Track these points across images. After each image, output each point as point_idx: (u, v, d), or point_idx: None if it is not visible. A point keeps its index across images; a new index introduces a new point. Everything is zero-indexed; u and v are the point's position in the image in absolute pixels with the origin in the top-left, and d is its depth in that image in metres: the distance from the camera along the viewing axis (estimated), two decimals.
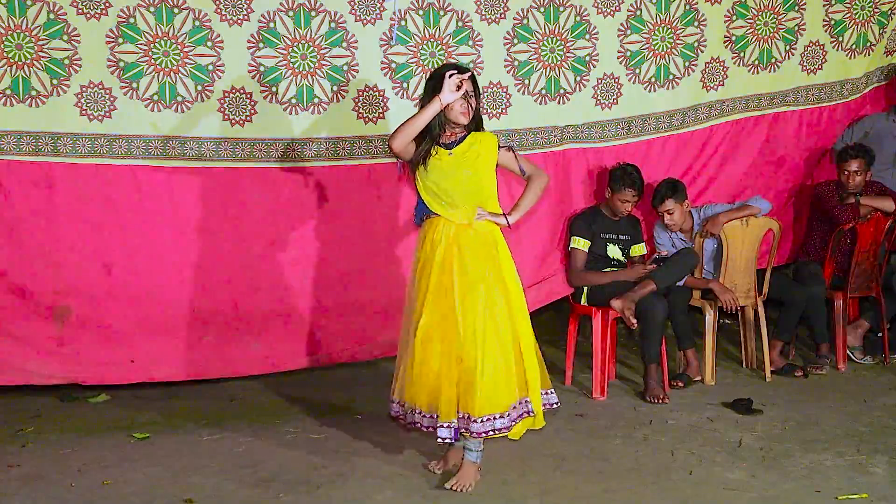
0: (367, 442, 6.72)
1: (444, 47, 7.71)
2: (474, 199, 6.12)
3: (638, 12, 8.16)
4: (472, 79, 6.05)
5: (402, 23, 7.63)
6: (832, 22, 8.67)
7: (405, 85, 7.67)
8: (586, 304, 7.95)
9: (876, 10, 8.77)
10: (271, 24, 7.38)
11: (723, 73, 8.47)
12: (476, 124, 6.15)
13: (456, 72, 5.93)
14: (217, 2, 7.27)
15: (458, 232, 6.09)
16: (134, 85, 7.21)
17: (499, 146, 6.20)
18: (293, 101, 7.47)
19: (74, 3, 7.04)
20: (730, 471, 6.19)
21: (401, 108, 7.63)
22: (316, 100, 7.51)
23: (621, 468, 6.28)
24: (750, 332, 8.37)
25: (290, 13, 7.40)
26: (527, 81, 7.92)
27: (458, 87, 5.90)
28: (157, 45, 7.21)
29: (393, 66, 7.64)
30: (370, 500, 5.81)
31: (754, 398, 7.42)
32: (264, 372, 7.72)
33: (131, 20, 7.16)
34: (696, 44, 8.35)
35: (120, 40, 7.16)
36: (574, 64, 8.06)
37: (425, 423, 6.04)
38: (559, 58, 8.00)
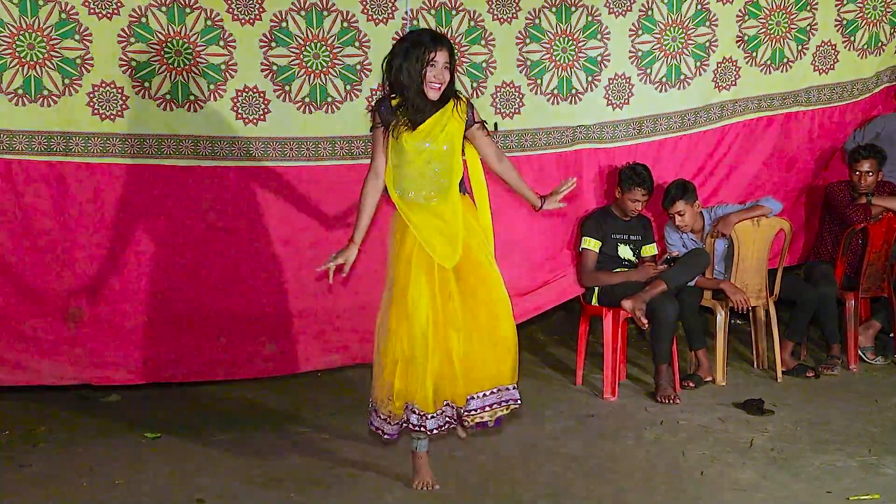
0: (379, 442, 6.71)
1: (456, 46, 7.69)
2: (439, 177, 5.93)
3: (649, 12, 8.15)
4: (450, 49, 5.81)
5: (414, 22, 7.62)
6: (844, 22, 8.66)
7: None
8: (597, 304, 7.94)
9: (888, 9, 8.75)
10: (283, 24, 7.38)
11: (735, 73, 8.47)
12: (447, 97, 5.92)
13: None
14: (229, 1, 7.27)
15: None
16: (146, 84, 7.21)
17: (472, 119, 5.96)
18: (306, 100, 7.48)
19: (86, 3, 7.04)
20: (741, 471, 6.19)
21: None
22: (329, 99, 7.51)
23: (632, 468, 6.28)
24: (761, 333, 8.36)
25: (303, 13, 7.40)
26: (539, 81, 7.92)
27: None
28: (169, 44, 7.21)
29: None
30: (381, 501, 5.83)
31: (765, 399, 7.42)
32: (279, 373, 7.71)
33: (143, 20, 7.15)
34: (707, 44, 8.35)
35: (132, 40, 7.16)
36: (586, 64, 8.06)
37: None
38: (571, 58, 8.00)
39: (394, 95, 5.85)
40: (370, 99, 7.57)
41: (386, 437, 6.03)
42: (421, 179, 5.91)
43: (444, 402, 5.88)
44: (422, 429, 5.87)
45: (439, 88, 5.77)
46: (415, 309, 5.84)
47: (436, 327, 5.84)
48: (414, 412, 5.85)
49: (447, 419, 5.91)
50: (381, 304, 6.07)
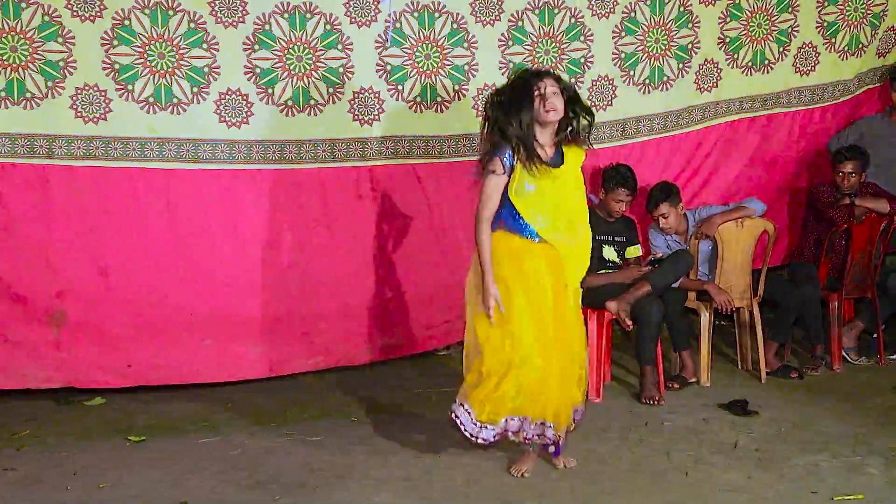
0: (364, 444, 6.72)
1: (438, 49, 7.72)
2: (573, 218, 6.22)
3: (632, 14, 8.16)
4: (557, 78, 6.07)
5: (397, 25, 7.63)
6: (825, 23, 8.68)
7: (400, 87, 7.68)
8: (582, 305, 7.93)
9: (868, 11, 8.77)
10: (266, 27, 7.38)
11: (716, 74, 8.48)
12: (568, 129, 6.12)
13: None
14: (212, 4, 7.26)
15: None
16: (129, 87, 7.22)
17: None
18: (289, 102, 7.48)
19: (69, 6, 7.04)
20: (726, 472, 6.20)
21: (396, 109, 7.65)
22: (312, 101, 7.52)
23: (617, 470, 6.28)
24: (745, 334, 8.36)
25: (286, 15, 7.40)
26: None
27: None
28: (152, 47, 7.21)
29: (388, 67, 7.64)
30: (367, 503, 5.82)
31: (750, 399, 7.42)
32: (263, 376, 7.74)
33: (126, 22, 7.16)
34: (689, 45, 8.36)
35: (115, 42, 7.16)
36: (569, 66, 8.06)
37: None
38: (554, 60, 8.01)
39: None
40: (352, 101, 7.59)
41: (480, 441, 6.08)
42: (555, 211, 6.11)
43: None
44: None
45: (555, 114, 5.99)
46: (520, 327, 6.05)
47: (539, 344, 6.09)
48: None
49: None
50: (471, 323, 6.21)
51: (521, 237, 6.05)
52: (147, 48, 7.21)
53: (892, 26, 8.87)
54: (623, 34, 8.17)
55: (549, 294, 6.08)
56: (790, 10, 8.58)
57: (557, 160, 6.08)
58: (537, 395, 6.03)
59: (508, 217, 6.04)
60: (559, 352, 6.10)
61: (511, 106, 5.95)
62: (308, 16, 7.45)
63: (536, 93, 5.92)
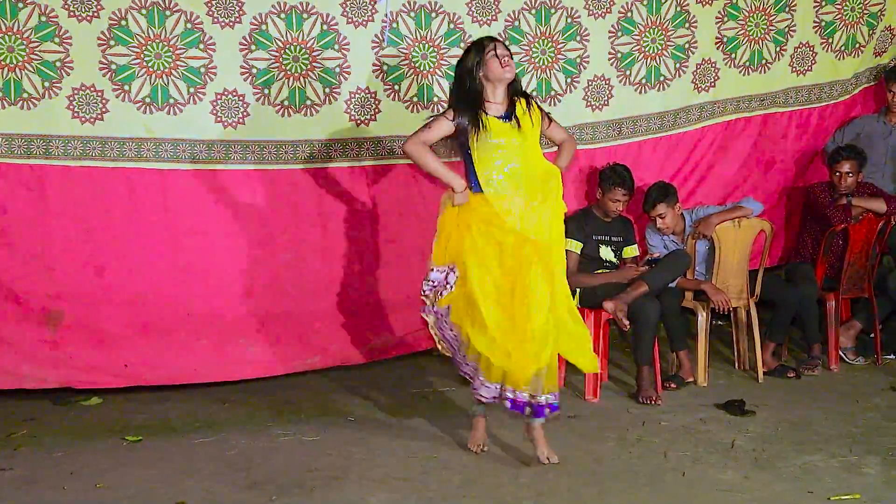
0: (361, 444, 6.71)
1: (435, 49, 7.72)
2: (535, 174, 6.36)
3: (629, 14, 8.16)
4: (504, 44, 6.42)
5: (394, 25, 7.63)
6: (822, 23, 8.68)
7: (397, 87, 7.68)
8: (579, 305, 7.88)
9: (865, 11, 8.77)
10: (263, 27, 7.38)
11: (714, 74, 8.48)
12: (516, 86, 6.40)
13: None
14: (209, 4, 7.27)
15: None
16: (126, 87, 7.22)
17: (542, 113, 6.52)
18: (285, 102, 7.48)
19: (66, 6, 7.06)
20: (723, 472, 6.19)
21: (392, 109, 7.64)
22: (308, 102, 7.52)
23: (615, 470, 6.27)
24: (742, 334, 8.36)
25: (282, 16, 7.40)
26: None
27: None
28: (149, 47, 7.22)
29: (385, 67, 7.64)
30: (364, 503, 5.81)
31: (747, 399, 7.41)
32: (259, 375, 7.74)
33: (123, 22, 7.17)
34: (687, 45, 8.36)
35: (112, 42, 7.16)
36: (565, 66, 8.07)
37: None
38: (550, 59, 8.01)
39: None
40: (349, 102, 7.58)
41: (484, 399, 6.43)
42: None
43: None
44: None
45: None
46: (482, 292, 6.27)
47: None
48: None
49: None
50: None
51: (483, 194, 6.26)
52: (144, 48, 7.22)
53: (889, 26, 8.88)
54: (619, 34, 8.17)
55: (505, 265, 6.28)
56: (787, 9, 8.58)
57: (510, 117, 6.32)
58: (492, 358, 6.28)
59: (472, 176, 6.30)
60: (516, 319, 6.25)
61: (464, 65, 6.33)
62: (305, 16, 7.46)
63: (491, 53, 6.21)
